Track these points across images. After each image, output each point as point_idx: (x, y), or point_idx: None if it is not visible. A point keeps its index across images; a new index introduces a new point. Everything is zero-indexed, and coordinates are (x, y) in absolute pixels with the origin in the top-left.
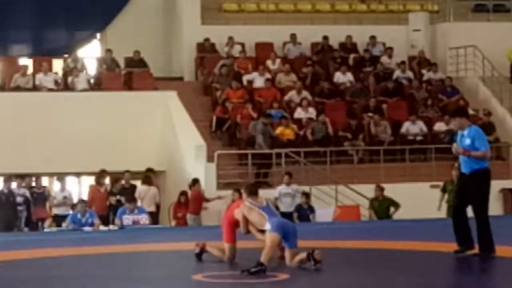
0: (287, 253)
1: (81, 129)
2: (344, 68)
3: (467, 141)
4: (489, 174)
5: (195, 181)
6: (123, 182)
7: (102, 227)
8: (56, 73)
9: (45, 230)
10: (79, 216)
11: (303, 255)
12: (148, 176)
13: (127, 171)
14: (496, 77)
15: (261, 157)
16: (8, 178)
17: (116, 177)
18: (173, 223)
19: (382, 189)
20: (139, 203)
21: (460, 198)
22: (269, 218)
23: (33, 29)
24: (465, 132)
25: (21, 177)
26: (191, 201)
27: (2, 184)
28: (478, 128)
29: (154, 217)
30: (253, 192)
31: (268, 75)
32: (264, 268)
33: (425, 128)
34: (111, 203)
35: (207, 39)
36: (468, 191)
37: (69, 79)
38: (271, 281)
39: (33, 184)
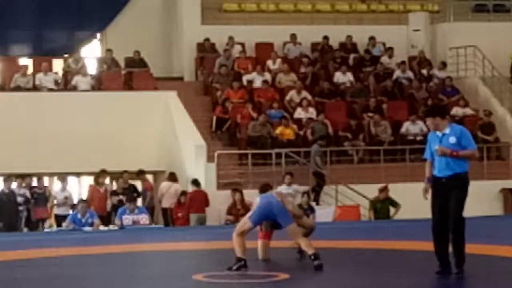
0: (288, 231)
1: (81, 129)
2: (344, 68)
3: (452, 140)
4: (468, 179)
5: (196, 182)
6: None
7: (102, 227)
8: (56, 73)
9: (45, 230)
10: (79, 216)
11: (308, 250)
12: (173, 173)
13: (126, 171)
14: (496, 77)
15: (319, 177)
16: (8, 178)
17: (118, 176)
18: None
19: (387, 190)
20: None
21: (440, 211)
22: (258, 204)
23: (33, 29)
24: (447, 131)
25: (21, 177)
26: (197, 200)
27: (2, 184)
28: (462, 126)
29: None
30: (262, 190)
31: (266, 76)
32: (242, 263)
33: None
34: (116, 201)
35: (207, 39)
36: (448, 198)
37: (74, 78)
38: (271, 281)
39: (34, 184)
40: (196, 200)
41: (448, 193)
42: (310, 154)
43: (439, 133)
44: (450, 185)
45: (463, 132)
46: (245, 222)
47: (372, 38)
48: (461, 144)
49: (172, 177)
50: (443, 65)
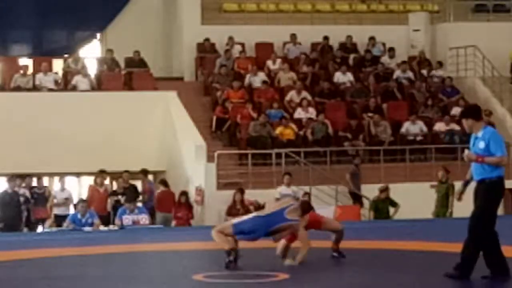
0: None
1: (81, 129)
2: (344, 68)
3: (481, 145)
4: (500, 185)
5: (164, 182)
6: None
7: (102, 227)
8: (56, 73)
9: (45, 230)
10: (79, 216)
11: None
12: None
13: (126, 171)
14: (496, 77)
15: (355, 197)
16: (12, 178)
17: (118, 176)
18: (173, 223)
19: (388, 190)
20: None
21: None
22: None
23: (33, 29)
24: (479, 135)
25: (21, 177)
26: (165, 200)
27: (5, 184)
28: (494, 130)
29: None
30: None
31: (261, 76)
32: (233, 254)
33: (425, 128)
34: (114, 201)
35: (207, 39)
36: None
37: (74, 78)
38: (271, 281)
39: (34, 184)
40: (164, 200)
41: (477, 198)
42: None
43: (474, 135)
44: (478, 190)
45: (492, 137)
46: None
47: (372, 38)
48: (489, 150)
49: (163, 182)
50: (440, 64)
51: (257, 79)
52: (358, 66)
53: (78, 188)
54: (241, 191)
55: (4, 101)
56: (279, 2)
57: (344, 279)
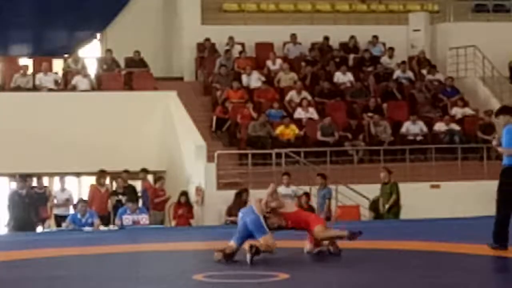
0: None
1: (81, 129)
2: (344, 68)
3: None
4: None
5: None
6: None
7: (102, 227)
8: (56, 73)
9: (45, 230)
10: (79, 216)
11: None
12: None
13: (125, 171)
14: (496, 77)
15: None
16: (22, 178)
17: (118, 176)
18: (173, 223)
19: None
20: None
21: None
22: (237, 226)
23: (33, 29)
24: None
25: (21, 177)
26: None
27: (15, 184)
28: (510, 126)
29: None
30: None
31: (258, 75)
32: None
33: (425, 128)
34: (115, 201)
35: (207, 39)
36: None
37: (74, 78)
38: (271, 281)
39: (35, 184)
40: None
41: None
42: None
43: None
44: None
45: (506, 131)
46: (231, 245)
47: (372, 38)
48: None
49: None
50: (433, 68)
51: (253, 78)
52: (358, 66)
53: (78, 188)
54: (246, 192)
55: (4, 101)
56: (279, 2)
57: (344, 279)
